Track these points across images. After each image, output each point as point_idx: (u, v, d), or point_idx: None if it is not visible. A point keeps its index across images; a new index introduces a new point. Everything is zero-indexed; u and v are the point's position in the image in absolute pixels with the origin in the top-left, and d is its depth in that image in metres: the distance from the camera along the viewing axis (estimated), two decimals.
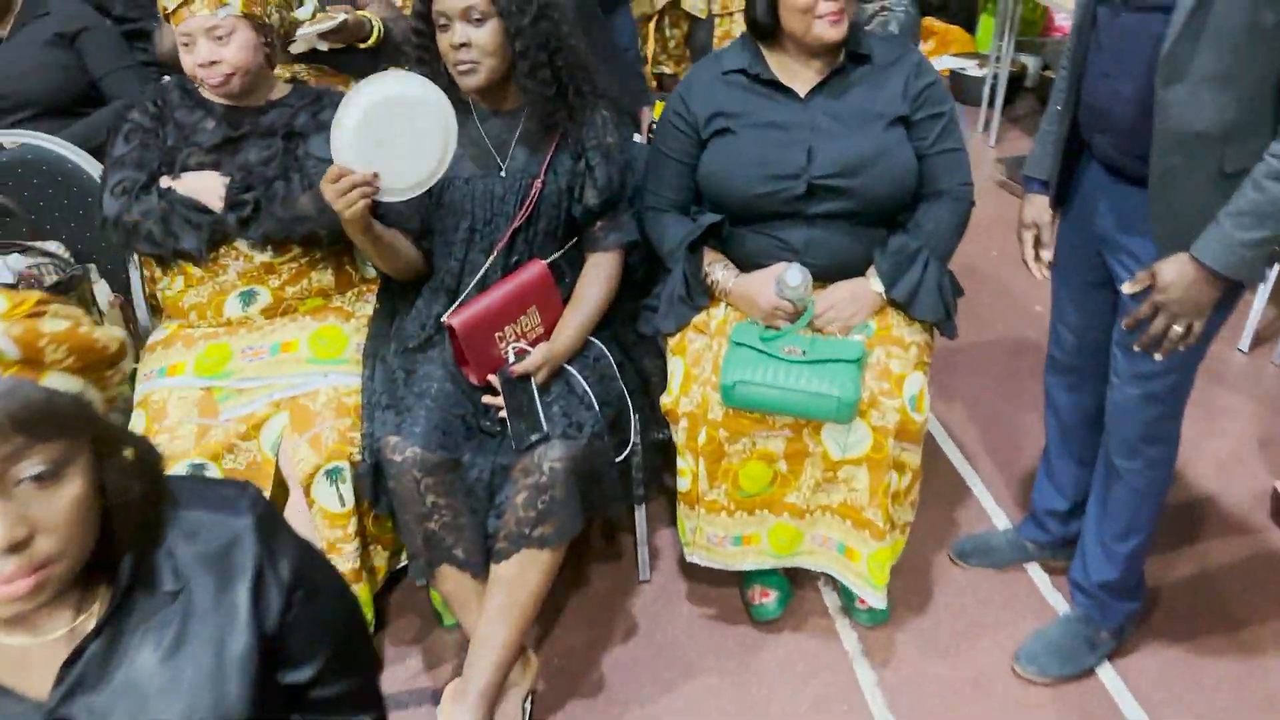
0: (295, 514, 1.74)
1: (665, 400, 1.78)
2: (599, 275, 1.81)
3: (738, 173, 1.74)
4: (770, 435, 1.71)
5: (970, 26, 5.08)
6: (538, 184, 1.74)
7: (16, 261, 1.71)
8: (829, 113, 1.73)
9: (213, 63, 1.69)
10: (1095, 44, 1.50)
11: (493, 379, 1.71)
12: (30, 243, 1.87)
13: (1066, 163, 1.66)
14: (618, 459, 1.78)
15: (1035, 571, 2.05)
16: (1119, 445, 1.67)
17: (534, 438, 1.64)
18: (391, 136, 1.56)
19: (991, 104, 4.18)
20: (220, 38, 1.68)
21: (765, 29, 1.70)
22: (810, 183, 1.71)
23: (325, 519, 1.70)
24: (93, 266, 1.87)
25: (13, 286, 1.70)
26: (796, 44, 1.70)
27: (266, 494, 1.71)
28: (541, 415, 1.66)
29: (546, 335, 1.78)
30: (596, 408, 1.71)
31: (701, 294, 1.81)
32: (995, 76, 4.14)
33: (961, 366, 2.72)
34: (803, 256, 1.75)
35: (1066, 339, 1.80)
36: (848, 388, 1.60)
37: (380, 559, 1.85)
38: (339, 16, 2.27)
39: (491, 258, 1.76)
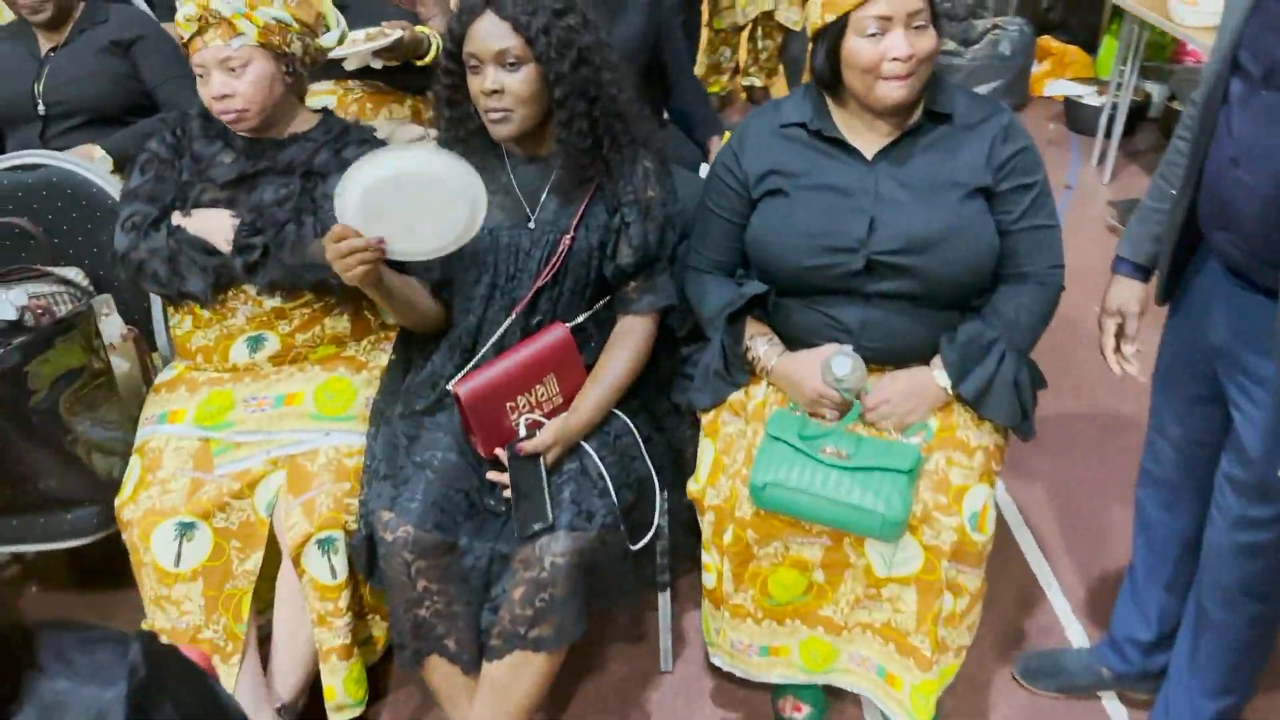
0: (285, 583, 1.64)
1: (692, 487, 1.60)
2: (627, 343, 1.63)
3: (788, 241, 1.53)
4: (806, 542, 1.51)
5: (1091, 48, 4.68)
6: (566, 239, 1.58)
7: (18, 296, 1.63)
8: (898, 178, 1.50)
9: (225, 96, 1.57)
10: (1225, 124, 1.25)
11: (500, 454, 1.56)
12: (49, 269, 1.81)
13: (1179, 253, 1.41)
14: (638, 545, 1.61)
15: (1111, 703, 1.79)
16: (1213, 591, 1.42)
17: (537, 526, 1.48)
18: (402, 208, 1.42)
19: (1109, 135, 3.82)
20: (234, 69, 1.57)
21: (828, 81, 1.49)
22: (870, 258, 1.49)
23: (316, 590, 1.59)
24: (108, 297, 1.78)
25: (16, 322, 1.63)
26: (860, 101, 1.48)
27: (259, 555, 1.64)
28: (549, 501, 1.50)
29: (566, 406, 1.61)
30: (613, 493, 1.54)
31: (740, 370, 1.62)
32: (1115, 105, 3.78)
33: (1048, 440, 2.43)
34: (857, 339, 1.54)
35: (1165, 453, 1.55)
36: (895, 504, 1.39)
37: (379, 629, 1.73)
38: (394, 33, 2.16)
39: (511, 318, 1.60)
